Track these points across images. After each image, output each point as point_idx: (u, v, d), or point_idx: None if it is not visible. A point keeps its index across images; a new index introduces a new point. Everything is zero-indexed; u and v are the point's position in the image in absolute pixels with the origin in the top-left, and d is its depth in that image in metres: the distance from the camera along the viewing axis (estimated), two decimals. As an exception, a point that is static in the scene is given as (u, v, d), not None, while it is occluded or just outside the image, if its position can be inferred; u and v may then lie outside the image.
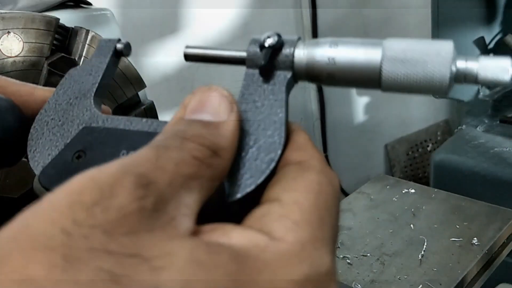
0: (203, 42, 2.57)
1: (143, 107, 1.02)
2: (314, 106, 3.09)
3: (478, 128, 2.11)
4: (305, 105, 3.09)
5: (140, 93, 1.03)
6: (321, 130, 3.19)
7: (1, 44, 0.81)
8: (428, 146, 3.56)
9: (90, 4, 1.31)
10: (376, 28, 3.16)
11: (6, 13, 0.82)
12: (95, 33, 0.92)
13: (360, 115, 3.36)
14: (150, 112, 1.03)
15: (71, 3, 1.30)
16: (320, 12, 2.93)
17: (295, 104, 3.04)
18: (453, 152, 2.01)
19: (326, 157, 3.30)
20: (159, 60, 2.44)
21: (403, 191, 1.00)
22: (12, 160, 0.43)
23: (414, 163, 3.57)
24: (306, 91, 3.05)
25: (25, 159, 0.81)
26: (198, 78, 2.62)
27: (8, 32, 0.82)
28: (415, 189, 1.00)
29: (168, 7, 2.45)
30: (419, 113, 3.54)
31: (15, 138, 0.41)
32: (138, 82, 1.00)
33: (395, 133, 3.50)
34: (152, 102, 1.04)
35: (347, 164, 3.38)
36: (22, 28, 0.83)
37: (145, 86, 1.02)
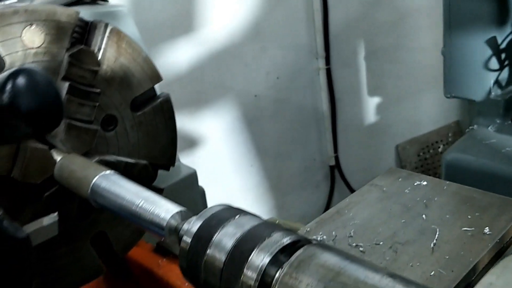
0: (214, 41, 2.60)
1: (159, 100, 1.04)
2: (325, 106, 3.10)
3: (489, 128, 2.10)
4: (316, 105, 3.09)
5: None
6: (332, 130, 3.20)
7: (24, 36, 0.84)
8: (439, 147, 3.55)
9: (106, 0, 1.34)
10: (387, 30, 3.16)
11: (29, 5, 0.85)
12: (114, 26, 0.94)
13: (371, 116, 3.36)
14: (166, 104, 1.05)
15: (88, 0, 1.33)
16: (331, 13, 2.95)
17: (306, 104, 3.05)
18: (464, 152, 2.01)
19: (336, 157, 3.30)
20: (171, 60, 2.47)
21: (415, 183, 1.01)
22: (50, 127, 0.46)
23: (425, 164, 3.56)
24: (317, 91, 3.06)
25: (46, 147, 0.83)
26: (209, 78, 2.64)
27: (31, 24, 0.84)
28: (427, 182, 1.01)
29: (180, 7, 2.48)
30: (430, 114, 3.53)
31: (53, 107, 0.44)
32: (155, 75, 1.03)
33: (406, 134, 3.49)
34: (168, 95, 1.06)
35: (357, 164, 3.38)
36: (44, 20, 0.86)
37: (162, 79, 1.04)
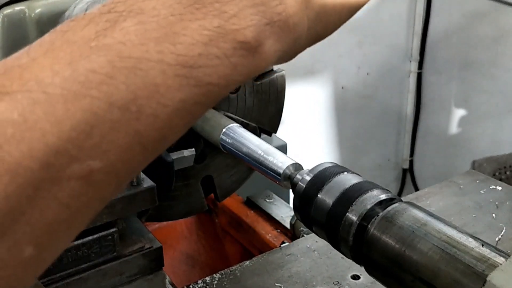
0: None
1: (275, 75, 1.20)
2: (409, 109, 3.17)
3: None
4: (400, 107, 3.17)
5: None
6: (412, 134, 3.26)
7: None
8: (517, 170, 3.51)
9: None
10: (486, 45, 3.16)
11: None
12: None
13: (453, 127, 3.38)
14: (281, 79, 1.21)
15: None
16: (432, 19, 2.99)
17: (391, 104, 3.13)
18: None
19: (411, 161, 3.37)
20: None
21: (491, 187, 1.11)
22: None
23: (499, 184, 3.53)
24: (404, 93, 3.13)
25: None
26: (301, 63, 2.78)
27: None
28: (502, 187, 1.11)
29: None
30: (513, 136, 3.50)
31: None
32: (276, 52, 1.19)
33: (485, 152, 3.48)
34: (283, 72, 1.22)
35: (431, 172, 3.42)
36: None
37: (281, 57, 1.20)
